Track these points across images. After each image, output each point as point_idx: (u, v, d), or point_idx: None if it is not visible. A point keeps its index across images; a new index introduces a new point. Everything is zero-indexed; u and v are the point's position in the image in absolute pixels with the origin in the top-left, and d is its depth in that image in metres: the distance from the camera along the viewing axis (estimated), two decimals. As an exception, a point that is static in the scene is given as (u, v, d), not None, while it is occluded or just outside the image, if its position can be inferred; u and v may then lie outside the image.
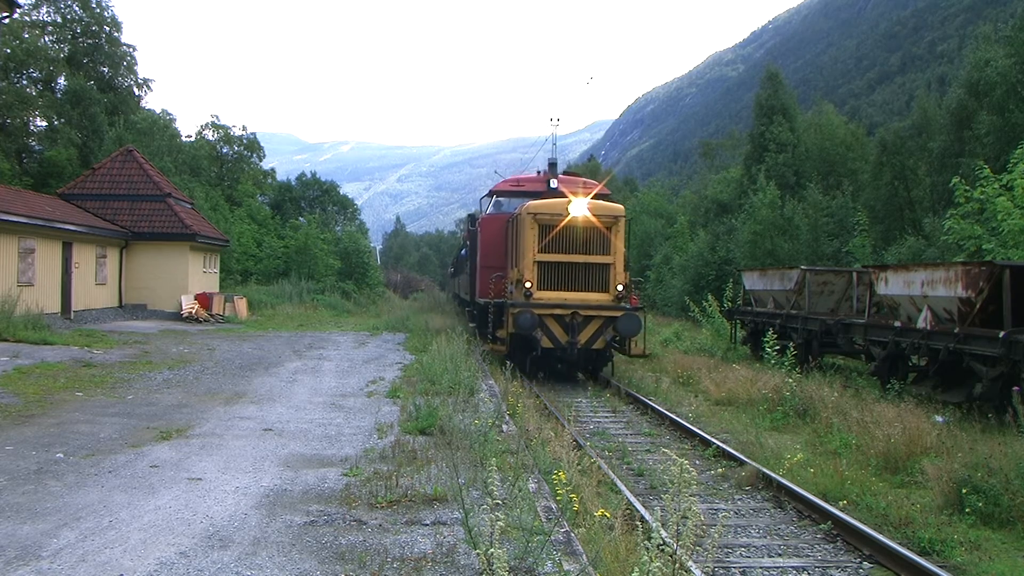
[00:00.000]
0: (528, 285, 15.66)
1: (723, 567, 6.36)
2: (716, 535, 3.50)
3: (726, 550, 6.78)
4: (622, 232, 16.08)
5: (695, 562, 3.48)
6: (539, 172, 20.79)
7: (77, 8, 46.70)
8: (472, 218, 22.44)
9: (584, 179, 20.76)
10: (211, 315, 28.76)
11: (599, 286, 15.91)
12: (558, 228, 15.69)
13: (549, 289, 15.83)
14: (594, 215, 15.68)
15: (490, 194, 21.07)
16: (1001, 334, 11.31)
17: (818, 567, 6.48)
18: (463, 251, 32.31)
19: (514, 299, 16.01)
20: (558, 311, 15.48)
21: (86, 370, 14.18)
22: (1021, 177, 18.55)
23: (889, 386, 13.74)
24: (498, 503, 3.85)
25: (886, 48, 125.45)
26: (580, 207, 15.54)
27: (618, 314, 15.49)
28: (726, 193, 46.27)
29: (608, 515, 5.18)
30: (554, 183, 18.94)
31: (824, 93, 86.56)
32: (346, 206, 65.61)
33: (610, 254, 15.91)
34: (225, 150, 57.92)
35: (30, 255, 21.98)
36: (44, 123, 43.66)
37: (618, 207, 16.57)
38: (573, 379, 17.27)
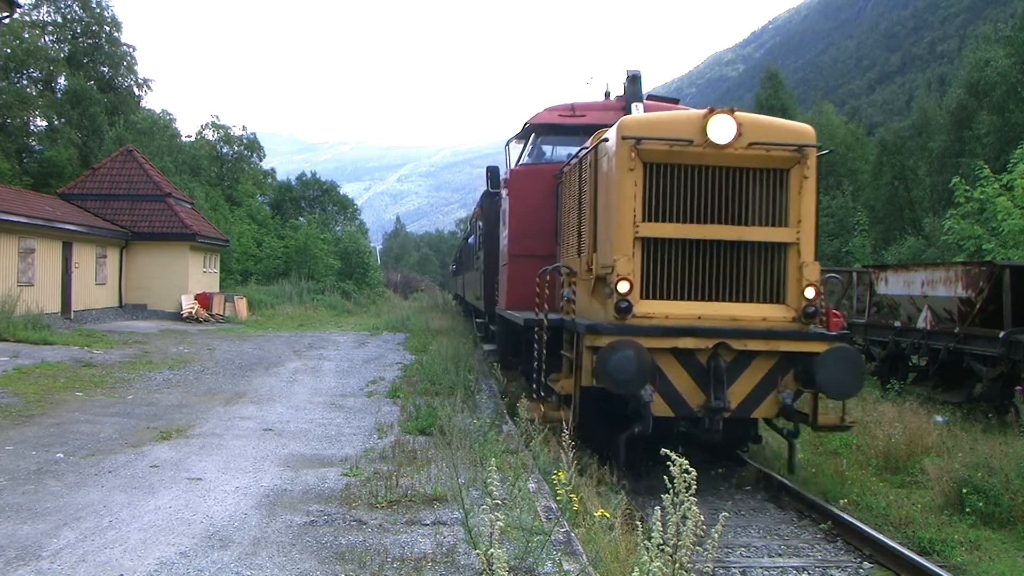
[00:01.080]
0: (623, 288, 7.80)
1: (723, 567, 6.36)
2: (716, 535, 3.50)
3: (726, 550, 6.78)
4: (813, 179, 8.15)
5: (695, 562, 3.49)
6: (608, 95, 12.33)
7: (77, 8, 46.74)
8: (494, 175, 13.71)
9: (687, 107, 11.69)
10: (211, 315, 28.77)
11: (765, 290, 8.13)
12: (685, 170, 8.01)
13: (662, 297, 8.04)
14: (756, 143, 7.95)
15: (525, 132, 12.52)
16: (1001, 334, 11.32)
17: (818, 567, 6.48)
18: (471, 238, 22.96)
19: (588, 316, 8.64)
20: (685, 342, 7.83)
21: (86, 370, 14.18)
22: (1021, 177, 18.58)
23: (889, 386, 13.75)
24: (498, 503, 3.85)
25: (886, 48, 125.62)
26: (728, 127, 7.87)
27: (816, 349, 7.88)
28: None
29: (608, 515, 5.18)
30: (638, 109, 10.56)
31: (824, 93, 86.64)
32: (346, 206, 65.64)
33: (788, 224, 8.06)
34: (225, 150, 57.94)
35: (30, 255, 21.99)
36: (44, 123, 43.73)
37: (804, 129, 8.45)
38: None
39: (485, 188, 14.86)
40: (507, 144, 13.39)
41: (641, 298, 7.97)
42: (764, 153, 8.01)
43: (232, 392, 12.46)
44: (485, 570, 3.79)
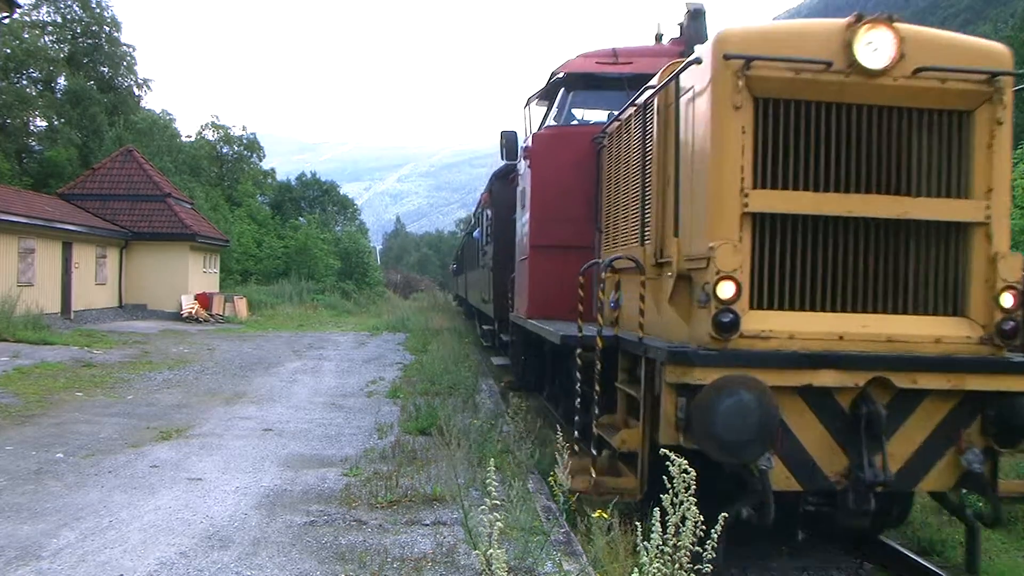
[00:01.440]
0: (727, 292, 4.97)
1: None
2: (715, 535, 3.50)
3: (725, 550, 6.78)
4: (1008, 126, 5.35)
5: (694, 562, 3.48)
6: (660, 39, 9.97)
7: (77, 8, 46.73)
8: (510, 142, 10.52)
9: None
10: (211, 315, 28.79)
11: (937, 296, 5.43)
12: (818, 110, 5.25)
13: (782, 306, 5.26)
14: (926, 68, 5.18)
15: (551, 87, 9.82)
16: (1001, 334, 11.30)
17: (818, 567, 6.48)
18: (475, 232, 19.63)
19: (659, 334, 5.90)
20: (823, 377, 5.05)
21: (86, 370, 14.19)
22: (1021, 177, 18.58)
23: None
24: (497, 503, 3.85)
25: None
26: (886, 43, 5.10)
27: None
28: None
29: (607, 515, 5.17)
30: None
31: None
32: (346, 206, 65.79)
33: (972, 194, 5.37)
34: (225, 150, 57.95)
35: (30, 255, 22.00)
36: (44, 123, 43.75)
37: (996, 48, 5.49)
38: None
39: (493, 173, 12.39)
40: (527, 104, 10.29)
41: (750, 307, 5.20)
42: (938, 85, 5.29)
43: (232, 392, 12.46)
44: (485, 570, 3.79)
